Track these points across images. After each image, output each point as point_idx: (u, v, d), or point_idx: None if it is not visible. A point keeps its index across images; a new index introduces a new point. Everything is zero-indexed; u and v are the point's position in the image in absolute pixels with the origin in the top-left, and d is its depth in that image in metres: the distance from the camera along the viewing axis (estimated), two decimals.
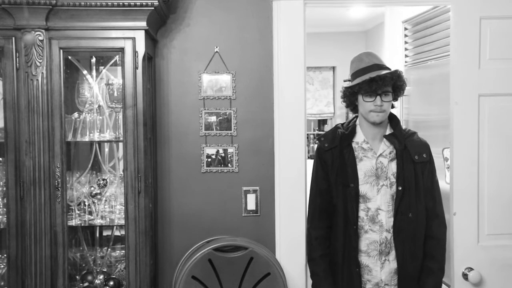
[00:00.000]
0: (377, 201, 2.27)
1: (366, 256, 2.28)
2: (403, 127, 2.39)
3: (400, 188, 2.24)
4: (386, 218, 2.26)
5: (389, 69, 2.29)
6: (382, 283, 2.28)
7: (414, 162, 2.27)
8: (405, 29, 4.42)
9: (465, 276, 2.34)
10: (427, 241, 2.29)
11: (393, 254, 2.27)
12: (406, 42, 4.44)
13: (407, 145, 2.29)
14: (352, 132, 2.35)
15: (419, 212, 2.26)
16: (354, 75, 2.32)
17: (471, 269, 2.34)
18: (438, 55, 3.73)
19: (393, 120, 2.36)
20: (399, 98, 2.35)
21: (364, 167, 2.29)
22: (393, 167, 2.28)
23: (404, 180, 2.25)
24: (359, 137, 2.34)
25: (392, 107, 2.33)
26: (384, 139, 2.31)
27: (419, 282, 2.30)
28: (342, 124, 2.43)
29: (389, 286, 2.28)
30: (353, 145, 2.33)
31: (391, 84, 2.25)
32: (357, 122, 2.38)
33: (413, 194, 2.26)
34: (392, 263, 2.27)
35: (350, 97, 2.34)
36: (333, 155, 2.32)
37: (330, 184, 2.33)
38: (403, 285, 2.27)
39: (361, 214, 2.28)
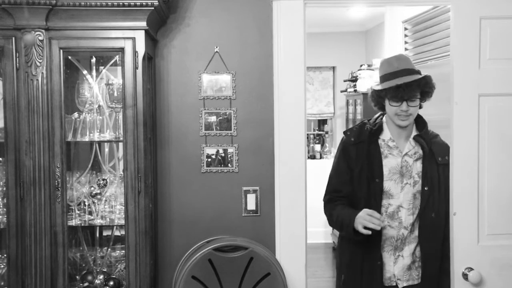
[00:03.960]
0: (400, 198, 2.31)
1: (381, 251, 2.32)
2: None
3: (426, 188, 2.30)
4: (406, 216, 2.31)
5: (419, 73, 2.31)
6: (394, 277, 2.33)
7: (437, 164, 2.33)
8: (405, 29, 4.43)
9: (465, 276, 2.33)
10: (446, 243, 2.33)
11: (407, 250, 2.32)
12: (406, 42, 4.45)
13: (432, 147, 2.35)
14: (379, 129, 2.38)
15: (441, 212, 2.32)
16: (382, 79, 2.35)
17: (471, 269, 2.33)
18: (438, 55, 3.73)
19: (419, 121, 2.41)
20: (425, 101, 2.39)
21: (389, 164, 2.33)
22: (418, 166, 2.33)
23: (429, 181, 2.31)
24: (386, 135, 2.38)
25: (420, 107, 2.38)
26: (411, 139, 2.36)
27: (439, 284, 2.35)
28: (369, 120, 2.46)
29: (401, 281, 2.33)
30: (379, 141, 2.37)
31: (419, 90, 2.28)
32: (384, 119, 2.41)
33: (436, 194, 2.32)
34: (406, 259, 2.32)
35: (378, 98, 2.37)
36: (358, 149, 2.36)
37: (352, 178, 2.35)
38: (425, 283, 2.31)
39: (381, 210, 2.31)
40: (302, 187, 2.56)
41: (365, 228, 2.14)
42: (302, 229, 2.56)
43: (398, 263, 2.33)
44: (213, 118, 2.59)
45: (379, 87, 2.35)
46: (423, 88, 2.29)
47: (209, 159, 2.59)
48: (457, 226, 2.38)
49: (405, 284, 2.33)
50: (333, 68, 7.45)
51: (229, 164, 2.59)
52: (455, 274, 2.36)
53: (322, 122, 7.69)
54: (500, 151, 2.38)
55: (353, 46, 7.07)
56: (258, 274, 2.40)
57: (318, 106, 7.50)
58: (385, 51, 5.06)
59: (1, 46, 2.23)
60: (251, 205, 2.60)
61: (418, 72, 2.32)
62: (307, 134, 5.07)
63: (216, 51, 2.58)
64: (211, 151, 2.59)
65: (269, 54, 2.57)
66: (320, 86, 7.50)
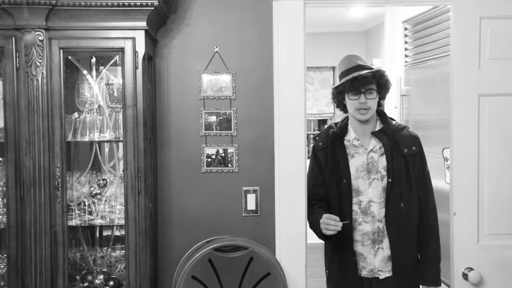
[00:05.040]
0: (369, 194, 2.41)
1: (360, 245, 2.42)
2: (394, 122, 2.52)
3: (390, 180, 2.37)
4: (378, 209, 2.39)
5: (372, 69, 2.44)
6: (376, 269, 2.41)
7: (404, 155, 2.40)
8: (405, 29, 4.42)
9: (465, 276, 2.34)
10: (422, 230, 2.42)
11: (386, 242, 2.39)
12: (406, 42, 4.44)
13: (397, 139, 2.42)
14: (344, 131, 2.50)
15: (411, 202, 2.38)
16: (340, 77, 2.49)
17: (471, 269, 2.34)
18: (438, 55, 3.73)
19: (381, 116, 2.50)
20: (385, 97, 2.51)
21: (355, 163, 2.43)
22: (383, 161, 2.41)
23: (394, 173, 2.37)
24: (351, 135, 2.49)
25: (379, 105, 2.49)
26: (373, 135, 2.44)
27: (419, 272, 2.42)
28: (336, 124, 2.58)
29: (383, 272, 2.40)
30: (345, 142, 2.48)
31: (374, 82, 2.40)
32: (349, 121, 2.52)
33: (404, 185, 2.37)
34: (386, 251, 2.40)
35: (338, 96, 2.50)
36: (326, 153, 2.49)
37: (325, 180, 2.49)
38: (398, 272, 2.38)
39: (354, 207, 2.41)
40: (302, 187, 2.56)
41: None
42: (302, 229, 2.55)
43: (378, 255, 2.40)
44: (213, 118, 2.58)
45: (338, 84, 2.49)
46: (378, 79, 2.40)
47: (209, 159, 2.59)
48: (457, 226, 2.38)
49: (387, 275, 2.40)
50: (333, 68, 7.45)
51: (229, 164, 2.59)
52: (455, 274, 2.37)
53: (322, 122, 7.70)
54: (500, 151, 2.39)
55: (353, 46, 7.06)
56: (258, 274, 2.40)
57: (318, 106, 7.50)
58: (385, 51, 5.06)
59: (1, 46, 2.22)
60: (251, 205, 2.60)
61: (371, 68, 2.45)
62: (307, 134, 5.07)
63: (216, 51, 2.58)
64: (211, 151, 2.59)
65: (269, 54, 2.56)
66: (320, 86, 7.50)
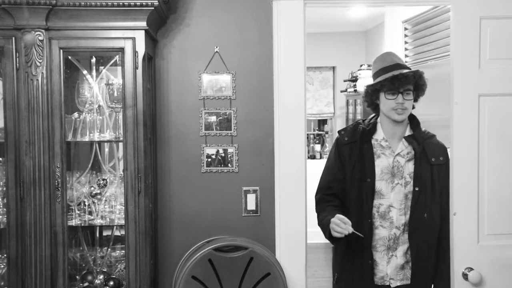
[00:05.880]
0: (390, 198, 2.33)
1: (374, 251, 2.34)
2: (423, 129, 2.45)
3: (417, 189, 2.30)
4: (397, 216, 2.32)
5: (409, 69, 2.36)
6: (387, 277, 2.34)
7: (431, 164, 2.34)
8: (405, 29, 4.43)
9: (465, 276, 2.33)
10: (441, 242, 2.36)
11: (401, 250, 2.33)
12: (406, 42, 4.45)
13: (425, 147, 2.36)
14: (373, 129, 2.41)
15: (434, 213, 2.33)
16: (376, 74, 2.39)
17: (471, 269, 2.33)
18: (438, 55, 3.73)
19: (413, 121, 2.42)
20: (418, 99, 2.42)
21: (381, 164, 2.35)
22: (409, 167, 2.34)
23: (421, 181, 2.31)
24: (379, 135, 2.40)
25: (413, 107, 2.40)
26: (403, 139, 2.37)
27: (433, 284, 2.37)
28: (363, 120, 2.48)
29: (394, 280, 2.34)
30: (372, 141, 2.39)
31: (413, 83, 2.31)
32: (378, 120, 2.43)
33: (429, 195, 2.32)
34: (399, 259, 2.33)
35: (372, 95, 2.39)
36: (351, 149, 2.38)
37: (345, 177, 2.38)
38: (416, 282, 2.33)
39: (373, 210, 2.33)
40: (302, 187, 2.56)
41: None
42: (302, 229, 2.56)
43: (391, 263, 2.33)
44: (213, 118, 2.59)
45: (374, 81, 2.38)
46: (417, 80, 2.32)
47: (209, 159, 2.59)
48: (457, 226, 2.38)
49: (398, 284, 2.34)
50: (333, 68, 7.45)
51: (229, 164, 2.59)
52: (455, 274, 2.36)
53: (322, 122, 7.70)
54: (500, 151, 2.38)
55: (353, 46, 7.07)
56: (258, 274, 2.40)
57: (318, 106, 7.50)
58: (385, 51, 5.05)
59: (1, 46, 2.23)
60: (251, 205, 2.60)
61: (409, 68, 2.36)
62: (307, 134, 5.07)
63: (216, 51, 2.58)
64: (211, 151, 2.59)
65: (269, 54, 2.57)
66: (320, 86, 7.50)
